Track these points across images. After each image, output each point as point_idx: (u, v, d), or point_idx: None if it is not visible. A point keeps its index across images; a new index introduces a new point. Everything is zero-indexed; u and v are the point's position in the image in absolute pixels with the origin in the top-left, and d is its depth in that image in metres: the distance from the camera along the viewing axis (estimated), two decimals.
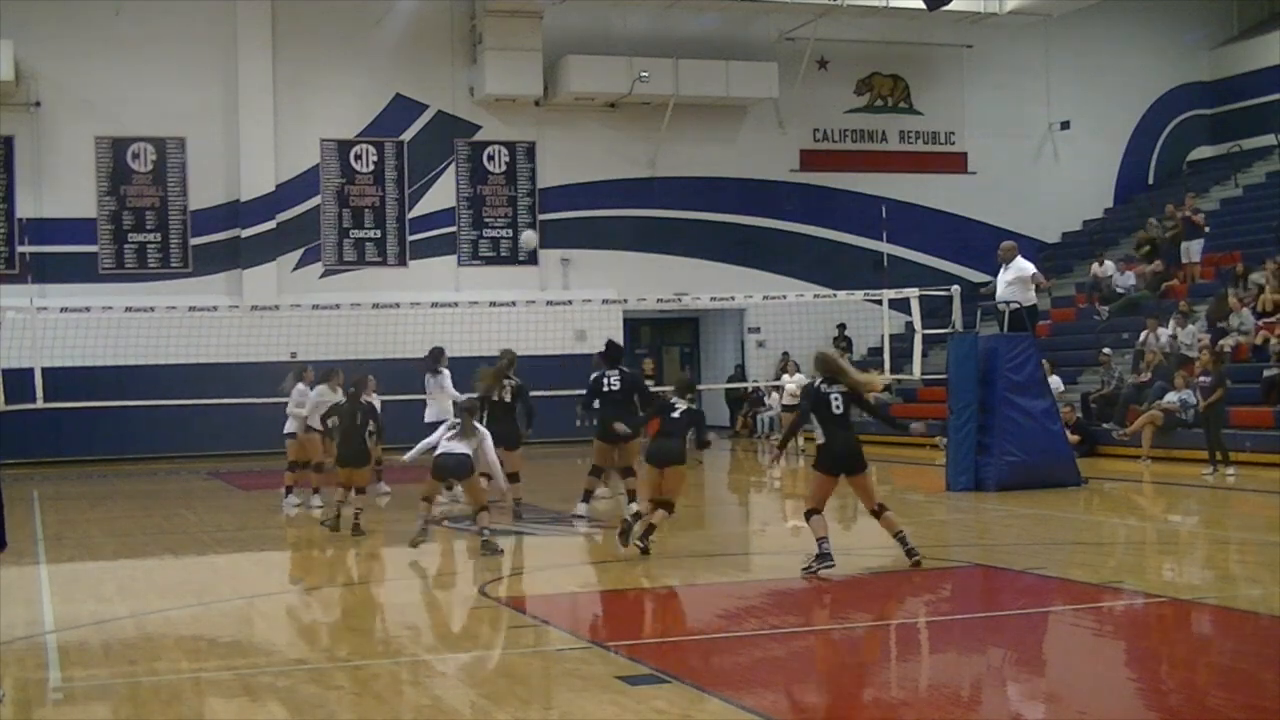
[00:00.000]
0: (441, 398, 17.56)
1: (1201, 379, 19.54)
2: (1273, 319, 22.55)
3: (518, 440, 15.46)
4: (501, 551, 12.53)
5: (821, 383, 11.23)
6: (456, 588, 11.58)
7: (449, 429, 13.00)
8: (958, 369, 17.44)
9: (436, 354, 18.08)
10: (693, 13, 30.54)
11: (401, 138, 29.33)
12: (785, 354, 29.41)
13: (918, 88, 32.84)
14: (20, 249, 26.93)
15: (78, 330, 21.47)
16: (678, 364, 32.74)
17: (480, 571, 11.94)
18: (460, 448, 12.72)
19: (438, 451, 12.88)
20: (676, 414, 12.29)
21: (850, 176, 32.11)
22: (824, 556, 10.86)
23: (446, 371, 17.95)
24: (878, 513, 11.31)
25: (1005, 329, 17.82)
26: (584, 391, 15.34)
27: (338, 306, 23.21)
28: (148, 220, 27.80)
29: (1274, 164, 31.56)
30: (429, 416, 17.47)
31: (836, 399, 11.12)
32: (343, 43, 28.80)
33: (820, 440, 11.17)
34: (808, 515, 11.16)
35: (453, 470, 12.83)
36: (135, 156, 27.73)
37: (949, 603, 10.60)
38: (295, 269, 28.46)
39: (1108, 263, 28.16)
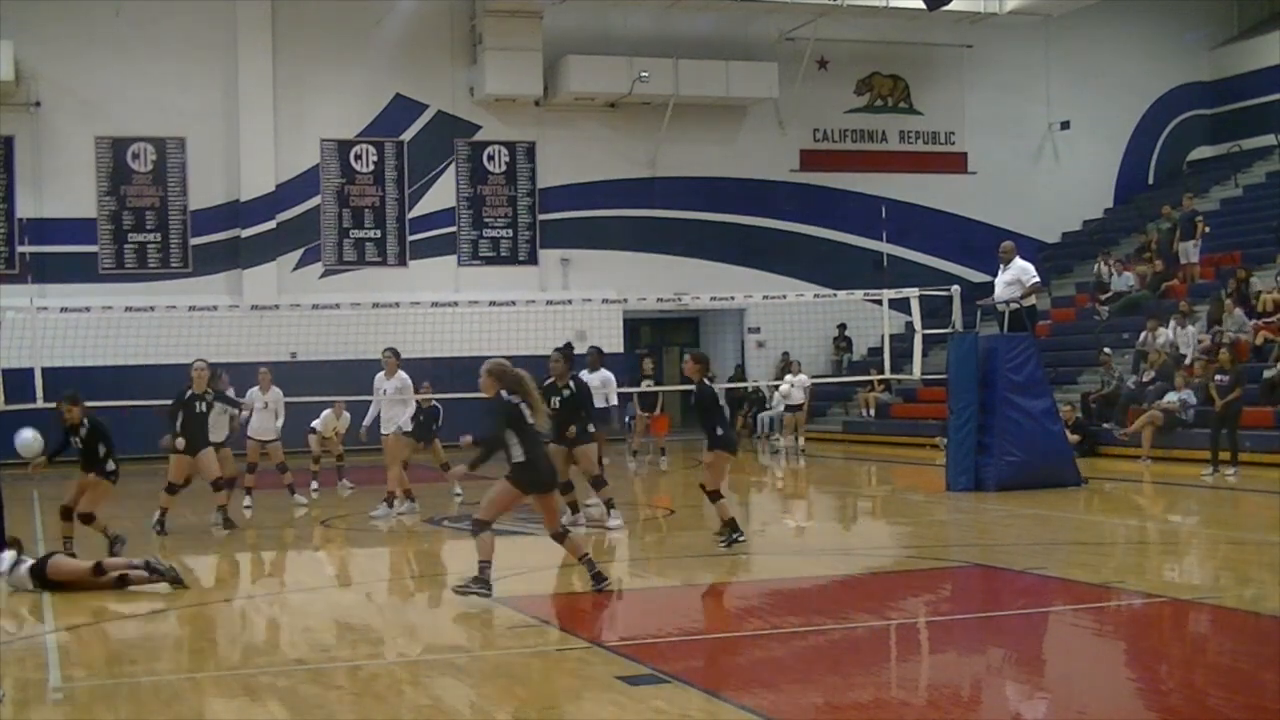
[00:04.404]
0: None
1: (1219, 378, 19.47)
2: (1273, 319, 22.53)
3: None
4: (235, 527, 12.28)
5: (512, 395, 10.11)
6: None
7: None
8: (958, 369, 17.44)
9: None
10: (693, 13, 30.53)
11: (401, 138, 29.33)
12: (785, 354, 29.41)
13: (918, 88, 32.84)
14: (20, 249, 26.95)
15: (78, 330, 21.44)
16: (677, 364, 32.70)
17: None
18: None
19: None
20: None
21: (850, 176, 32.12)
22: (482, 581, 9.77)
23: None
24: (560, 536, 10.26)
25: (1005, 329, 17.84)
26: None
27: (338, 306, 23.16)
28: (148, 220, 27.81)
29: (1274, 164, 31.56)
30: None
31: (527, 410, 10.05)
32: (343, 43, 28.81)
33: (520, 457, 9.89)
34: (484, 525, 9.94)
35: None
36: (135, 156, 27.73)
37: (949, 603, 10.59)
38: (295, 269, 28.47)
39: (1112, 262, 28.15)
